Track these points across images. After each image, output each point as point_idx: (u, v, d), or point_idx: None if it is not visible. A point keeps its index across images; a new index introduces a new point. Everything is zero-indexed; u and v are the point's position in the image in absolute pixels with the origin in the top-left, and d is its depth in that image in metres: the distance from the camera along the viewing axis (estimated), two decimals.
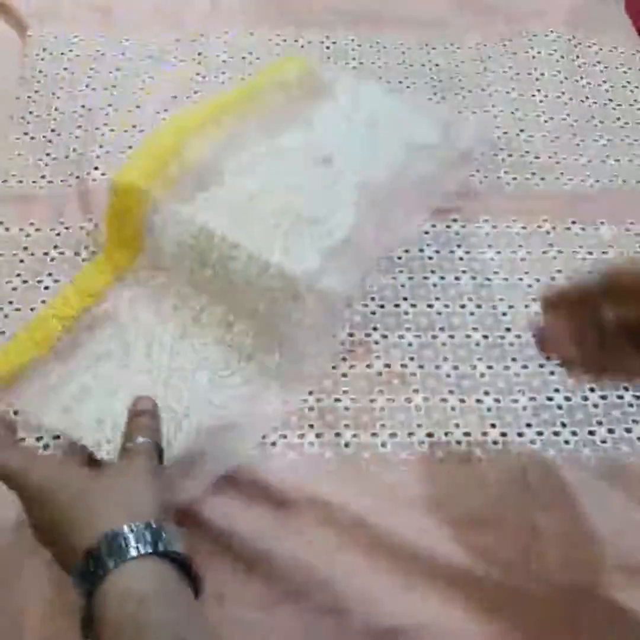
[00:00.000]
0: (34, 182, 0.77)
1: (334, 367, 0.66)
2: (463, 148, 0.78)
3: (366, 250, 0.69)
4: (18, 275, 0.70)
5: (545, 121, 0.86)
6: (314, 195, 0.68)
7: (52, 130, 0.81)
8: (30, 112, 0.83)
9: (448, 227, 0.76)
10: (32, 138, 0.81)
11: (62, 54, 0.88)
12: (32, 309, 0.67)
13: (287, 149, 0.72)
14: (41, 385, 0.60)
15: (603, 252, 0.75)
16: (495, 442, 0.62)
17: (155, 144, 0.68)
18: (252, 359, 0.64)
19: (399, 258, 0.74)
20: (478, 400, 0.65)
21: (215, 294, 0.65)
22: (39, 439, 0.60)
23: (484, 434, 0.63)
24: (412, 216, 0.75)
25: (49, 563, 0.52)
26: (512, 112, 0.86)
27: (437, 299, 0.71)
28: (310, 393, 0.65)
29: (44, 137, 0.81)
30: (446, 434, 0.63)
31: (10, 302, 0.68)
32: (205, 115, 0.71)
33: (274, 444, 0.62)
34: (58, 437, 0.60)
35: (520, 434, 0.63)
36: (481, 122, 0.81)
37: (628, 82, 0.91)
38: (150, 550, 0.43)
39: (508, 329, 0.69)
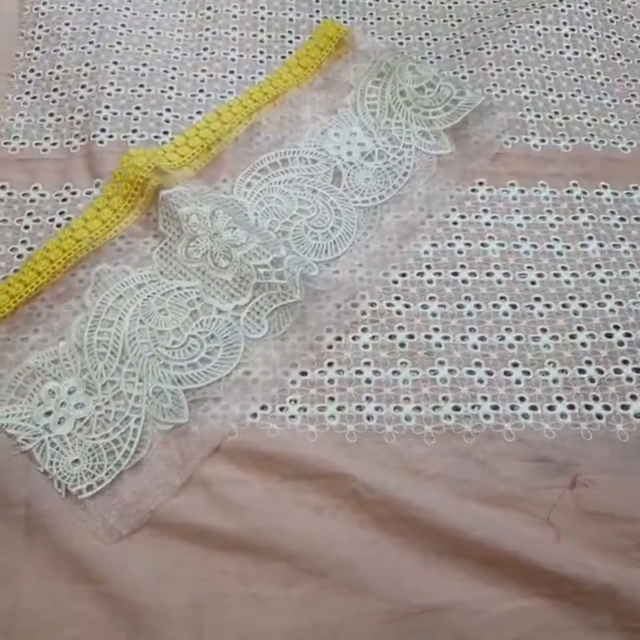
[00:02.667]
0: (37, 144, 0.74)
1: (354, 338, 0.63)
2: (488, 140, 0.75)
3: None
4: (23, 242, 0.67)
5: (575, 80, 0.81)
6: (320, 212, 0.70)
7: (55, 90, 0.77)
8: (31, 71, 0.79)
9: (473, 191, 0.73)
10: (34, 98, 0.77)
11: (63, 8, 0.83)
12: None
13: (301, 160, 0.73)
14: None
15: (636, 219, 0.71)
16: (525, 416, 0.60)
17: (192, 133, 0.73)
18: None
19: (422, 224, 0.70)
20: (506, 373, 0.62)
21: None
22: None
23: (513, 407, 0.60)
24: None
25: (49, 531, 0.52)
26: (540, 71, 0.81)
27: (462, 266, 0.68)
28: (330, 364, 0.62)
29: (46, 97, 0.77)
30: (473, 407, 0.60)
31: (16, 271, 0.65)
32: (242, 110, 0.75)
33: (293, 417, 0.59)
34: None
35: (550, 408, 0.60)
36: (507, 115, 0.77)
37: None
38: None
39: (537, 299, 0.66)
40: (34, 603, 0.51)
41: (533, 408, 0.60)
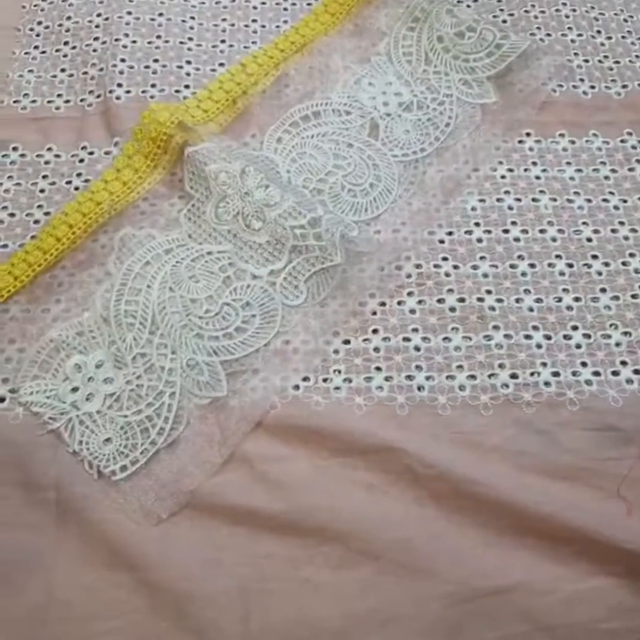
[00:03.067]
0: (49, 102, 0.68)
1: (399, 303, 0.59)
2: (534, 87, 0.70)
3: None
4: (39, 206, 0.62)
5: (625, 20, 0.75)
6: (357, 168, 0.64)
7: (65, 43, 0.72)
8: (39, 23, 0.73)
9: (521, 142, 0.67)
10: (43, 52, 0.72)
11: None
12: None
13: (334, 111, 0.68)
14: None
15: None
16: (588, 382, 0.55)
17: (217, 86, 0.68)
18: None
19: (468, 178, 0.65)
20: (566, 337, 0.57)
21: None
22: None
23: (575, 373, 0.56)
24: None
25: (81, 516, 0.49)
26: (586, 11, 0.75)
27: (513, 223, 0.63)
28: (375, 332, 0.57)
29: (57, 51, 0.72)
30: (532, 374, 0.56)
31: (33, 237, 0.60)
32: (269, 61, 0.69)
33: (338, 388, 0.55)
34: None
35: (615, 373, 0.56)
36: (553, 60, 0.71)
37: None
38: None
39: (595, 257, 0.61)
40: (68, 593, 0.47)
41: (596, 374, 0.56)
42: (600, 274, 0.60)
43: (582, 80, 0.71)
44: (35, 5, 0.74)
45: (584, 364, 0.56)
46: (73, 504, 0.50)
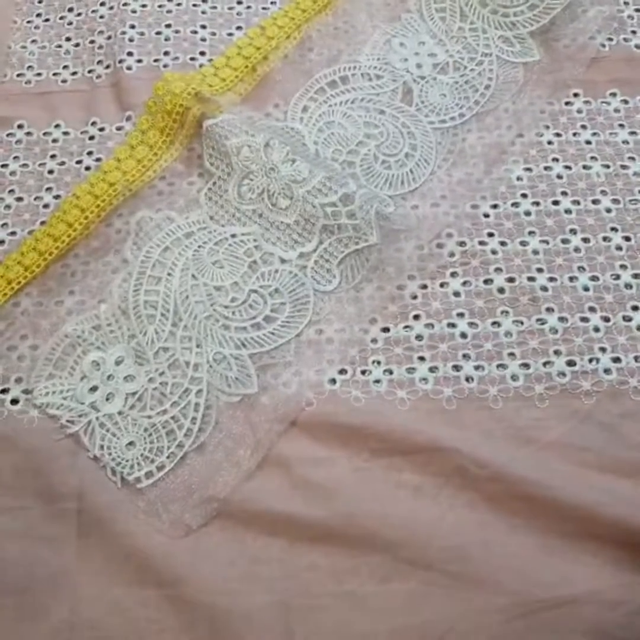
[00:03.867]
0: (55, 74, 0.64)
1: (442, 285, 0.54)
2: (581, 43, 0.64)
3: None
4: (48, 189, 0.58)
5: None
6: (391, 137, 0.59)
7: (70, 10, 0.67)
8: None
9: (568, 104, 0.62)
10: (47, 21, 0.67)
11: None
12: None
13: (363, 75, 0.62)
14: None
15: None
16: None
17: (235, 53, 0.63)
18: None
19: (512, 145, 0.59)
20: (626, 318, 0.53)
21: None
22: None
23: (638, 359, 0.51)
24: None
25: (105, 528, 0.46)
26: None
27: (563, 194, 0.57)
28: (416, 318, 0.53)
29: (61, 18, 0.67)
30: (591, 360, 0.51)
31: (42, 223, 0.56)
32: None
33: (378, 381, 0.50)
34: None
35: None
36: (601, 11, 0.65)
37: None
38: None
39: None
40: (94, 611, 0.44)
41: None
42: None
43: (634, 32, 0.65)
44: None
45: None
46: (96, 514, 0.46)
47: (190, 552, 0.45)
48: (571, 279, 0.54)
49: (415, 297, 0.53)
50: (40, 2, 0.67)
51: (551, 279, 0.54)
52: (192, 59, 0.63)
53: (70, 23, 0.66)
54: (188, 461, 0.48)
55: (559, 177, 0.58)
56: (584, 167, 0.59)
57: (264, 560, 0.45)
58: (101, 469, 0.47)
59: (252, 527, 0.46)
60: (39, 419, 0.49)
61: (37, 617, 0.43)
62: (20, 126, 0.61)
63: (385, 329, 0.52)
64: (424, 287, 0.54)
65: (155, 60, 0.63)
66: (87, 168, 0.58)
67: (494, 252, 0.55)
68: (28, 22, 0.66)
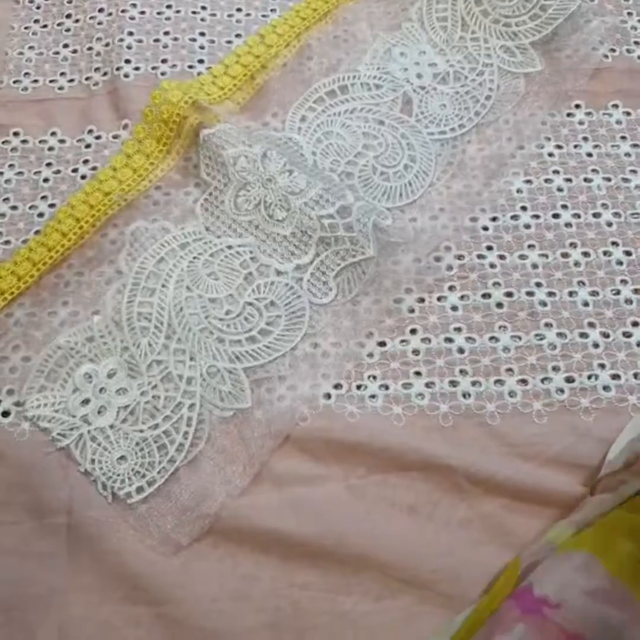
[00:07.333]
0: (51, 81, 0.63)
1: (439, 299, 0.53)
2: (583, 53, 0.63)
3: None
4: (43, 198, 0.57)
5: None
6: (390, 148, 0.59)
7: (68, 16, 0.66)
8: None
9: (570, 115, 0.61)
10: (44, 27, 0.66)
11: None
12: None
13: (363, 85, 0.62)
14: None
15: None
16: None
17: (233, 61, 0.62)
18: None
19: (512, 156, 0.59)
20: (626, 334, 0.52)
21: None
22: None
23: (637, 376, 0.50)
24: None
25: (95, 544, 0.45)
26: None
27: (564, 207, 0.57)
28: (413, 332, 0.52)
29: (59, 25, 0.66)
30: (590, 377, 0.50)
31: (37, 232, 0.55)
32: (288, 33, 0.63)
33: (373, 397, 0.50)
34: None
35: None
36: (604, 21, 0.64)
37: None
38: None
39: None
40: (83, 629, 0.43)
41: None
42: None
43: (637, 43, 0.65)
44: None
45: None
46: (86, 529, 0.45)
47: (180, 570, 0.44)
48: (571, 293, 0.53)
49: (412, 311, 0.53)
50: (38, 8, 0.67)
51: (550, 294, 0.53)
52: (190, 66, 0.63)
53: (68, 30, 0.65)
54: (180, 476, 0.47)
55: (560, 189, 0.57)
56: (585, 180, 0.58)
57: (255, 579, 0.44)
58: (92, 484, 0.47)
59: (244, 545, 0.45)
60: (30, 432, 0.48)
61: (25, 636, 0.43)
62: (16, 134, 0.60)
63: (382, 343, 0.52)
64: (421, 300, 0.53)
65: (153, 68, 0.62)
66: (83, 177, 0.58)
67: (492, 265, 0.54)
68: (25, 28, 0.66)
